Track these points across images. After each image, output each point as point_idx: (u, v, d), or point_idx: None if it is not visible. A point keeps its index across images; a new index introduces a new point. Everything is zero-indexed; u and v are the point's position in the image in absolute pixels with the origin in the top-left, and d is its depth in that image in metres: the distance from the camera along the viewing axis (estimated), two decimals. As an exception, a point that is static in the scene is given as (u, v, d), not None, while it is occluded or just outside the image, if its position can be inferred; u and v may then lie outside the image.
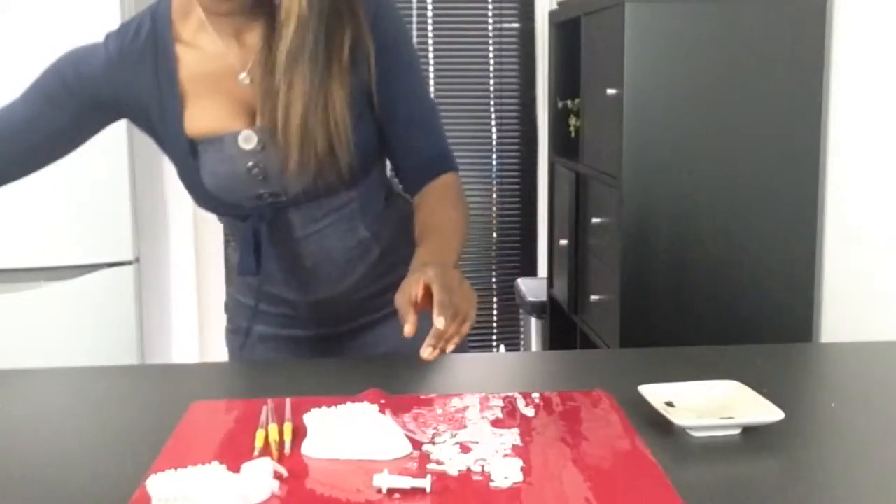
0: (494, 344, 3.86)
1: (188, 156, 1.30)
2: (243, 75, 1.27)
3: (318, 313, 1.41)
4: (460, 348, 1.41)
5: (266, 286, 1.40)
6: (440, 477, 0.91)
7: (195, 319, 3.42)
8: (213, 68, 1.28)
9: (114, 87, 1.29)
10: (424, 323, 1.07)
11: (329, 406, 1.00)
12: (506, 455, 0.96)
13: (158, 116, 1.30)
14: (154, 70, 1.28)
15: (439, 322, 1.04)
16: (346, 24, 1.23)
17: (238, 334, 1.50)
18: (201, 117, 1.29)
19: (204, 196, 1.32)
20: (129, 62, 1.29)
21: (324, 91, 1.22)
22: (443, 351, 1.07)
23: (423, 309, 1.09)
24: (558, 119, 2.95)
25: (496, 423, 1.05)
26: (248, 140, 1.27)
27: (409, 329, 1.07)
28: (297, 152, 1.23)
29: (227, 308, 1.54)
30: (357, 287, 1.39)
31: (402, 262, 1.38)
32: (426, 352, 1.06)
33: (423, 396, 1.14)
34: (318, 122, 1.23)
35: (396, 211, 1.42)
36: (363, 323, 1.43)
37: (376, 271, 1.39)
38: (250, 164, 1.27)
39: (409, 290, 1.11)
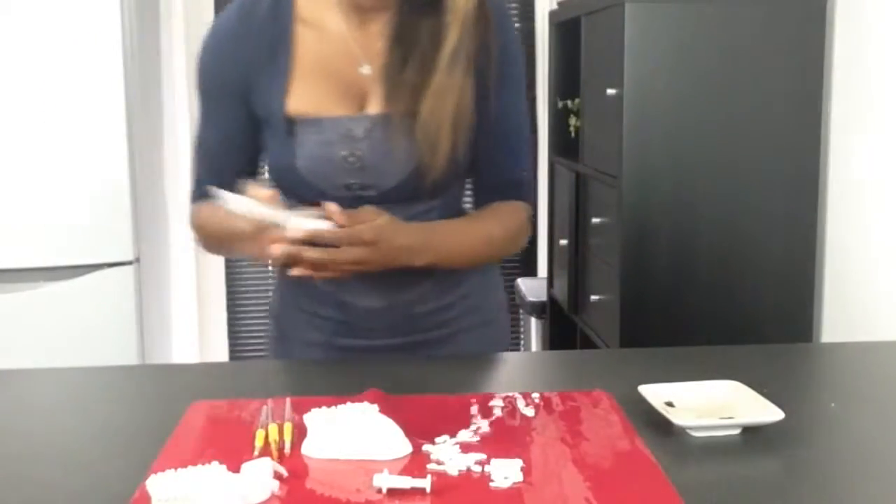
0: (494, 344, 3.85)
1: (286, 134, 1.28)
2: (365, 66, 1.27)
3: (372, 322, 1.36)
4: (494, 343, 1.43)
5: (327, 286, 1.35)
6: (440, 477, 0.91)
7: (195, 319, 3.42)
8: (332, 51, 1.28)
9: (235, 63, 1.29)
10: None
11: (329, 406, 1.01)
12: (506, 455, 0.96)
13: (265, 89, 1.28)
14: (270, 44, 1.27)
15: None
16: (478, 26, 1.23)
17: (283, 342, 1.44)
18: (307, 96, 1.27)
19: (293, 179, 1.29)
20: (246, 34, 1.28)
21: (464, 91, 1.23)
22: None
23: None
24: (558, 119, 2.95)
25: (496, 424, 1.05)
26: (353, 127, 1.26)
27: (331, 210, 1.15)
28: (445, 149, 1.23)
29: (273, 313, 1.47)
30: (419, 299, 1.36)
31: (464, 282, 1.39)
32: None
33: (423, 396, 1.14)
34: (455, 121, 1.23)
35: None
36: (416, 340, 1.37)
37: (440, 286, 1.37)
38: (349, 151, 1.26)
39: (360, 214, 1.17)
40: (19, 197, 2.60)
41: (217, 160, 1.36)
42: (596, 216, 2.46)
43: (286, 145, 1.28)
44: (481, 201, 1.38)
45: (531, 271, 3.71)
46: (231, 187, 1.29)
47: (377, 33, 1.27)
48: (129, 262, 2.72)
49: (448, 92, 1.22)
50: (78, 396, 1.23)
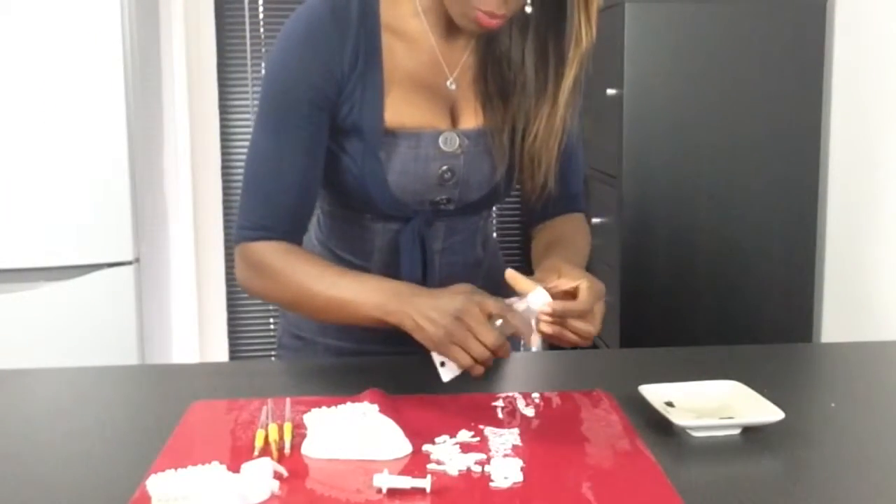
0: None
1: (376, 149, 1.21)
2: (450, 80, 1.24)
3: None
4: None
5: None
6: (440, 477, 0.91)
7: (195, 319, 3.42)
8: (420, 62, 1.23)
9: (329, 68, 1.18)
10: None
11: (329, 406, 1.01)
12: (506, 455, 0.96)
13: (357, 100, 1.20)
14: (363, 50, 1.19)
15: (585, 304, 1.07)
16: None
17: (302, 349, 1.40)
18: (402, 109, 1.22)
19: (376, 195, 1.24)
20: (342, 36, 1.18)
21: (572, 118, 1.24)
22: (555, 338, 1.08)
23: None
24: (558, 119, 2.94)
25: (496, 423, 1.05)
26: (449, 142, 1.24)
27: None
28: (550, 171, 1.24)
29: (286, 314, 1.43)
30: None
31: (495, 288, 1.39)
32: (540, 332, 1.07)
33: (423, 396, 1.14)
34: (560, 144, 1.24)
35: (493, 236, 1.47)
36: None
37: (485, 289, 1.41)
38: (445, 167, 1.24)
39: (566, 274, 1.10)
40: (19, 197, 2.60)
41: (283, 184, 1.20)
42: (596, 216, 2.46)
43: (375, 160, 1.22)
44: (539, 214, 1.37)
45: (531, 271, 3.70)
46: (291, 221, 1.21)
47: (462, 46, 1.25)
48: (129, 262, 2.72)
49: (562, 119, 1.22)
50: (78, 396, 1.23)
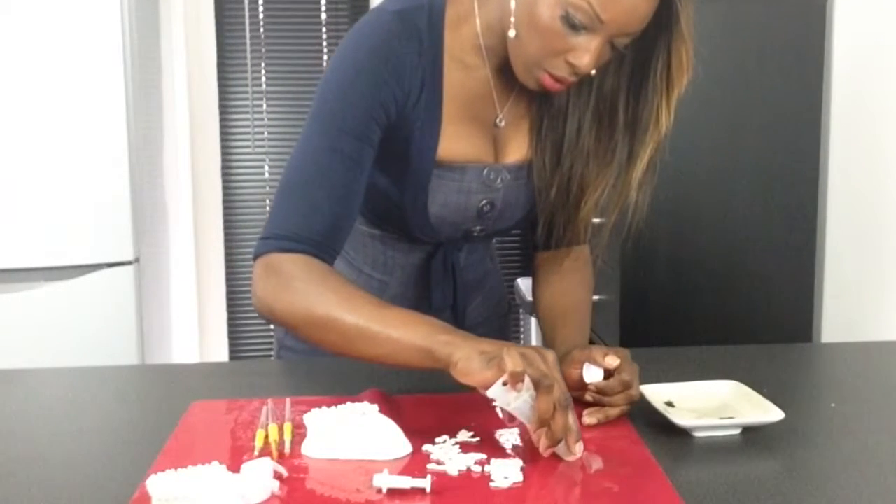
0: (494, 344, 3.84)
1: (427, 181, 1.18)
2: (500, 118, 1.21)
3: None
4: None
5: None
6: (440, 477, 0.91)
7: (195, 319, 3.42)
8: (475, 95, 1.19)
9: (393, 81, 1.11)
10: None
11: (329, 406, 1.00)
12: (506, 455, 0.96)
13: (415, 130, 1.15)
14: (430, 79, 1.14)
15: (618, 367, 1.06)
16: None
17: (296, 353, 1.39)
18: (455, 142, 1.18)
19: (414, 222, 1.22)
20: (408, 51, 1.12)
21: None
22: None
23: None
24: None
25: (496, 423, 1.05)
26: (492, 176, 1.22)
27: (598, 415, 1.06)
28: (588, 231, 1.26)
29: None
30: (470, 317, 1.41)
31: (497, 295, 1.48)
32: (591, 418, 1.06)
33: (423, 396, 1.14)
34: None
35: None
36: None
37: (487, 303, 1.45)
38: (486, 200, 1.23)
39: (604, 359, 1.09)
40: (20, 197, 2.60)
41: (328, 194, 1.09)
42: (596, 216, 2.46)
43: (419, 190, 1.19)
44: (552, 244, 1.35)
45: (526, 273, 3.70)
46: (326, 235, 1.09)
47: (514, 84, 1.17)
48: (129, 262, 2.72)
49: (629, 196, 1.22)
50: (78, 396, 1.23)
